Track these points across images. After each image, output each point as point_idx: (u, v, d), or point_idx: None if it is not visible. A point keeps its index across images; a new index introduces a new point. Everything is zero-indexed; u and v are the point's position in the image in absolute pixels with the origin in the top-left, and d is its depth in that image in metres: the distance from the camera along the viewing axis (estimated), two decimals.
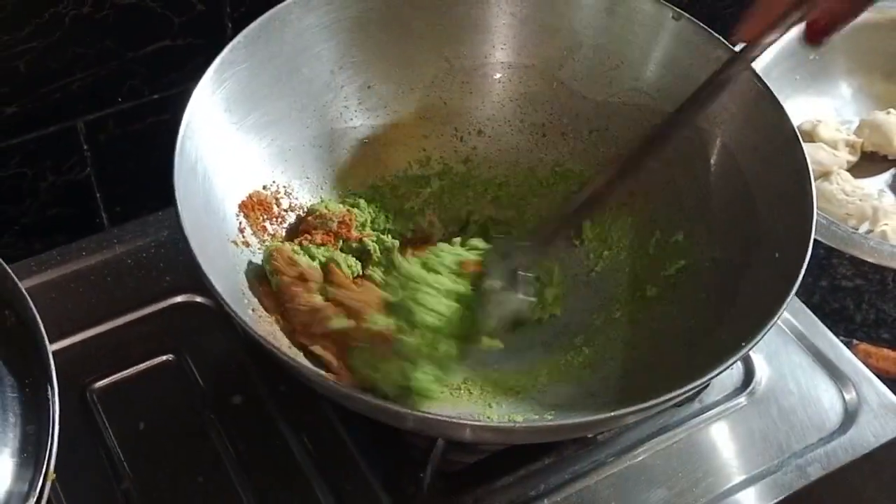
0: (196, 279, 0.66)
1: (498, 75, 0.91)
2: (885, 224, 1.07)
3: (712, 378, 0.68)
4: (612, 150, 0.90)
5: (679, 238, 0.85)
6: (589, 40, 0.90)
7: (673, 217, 0.86)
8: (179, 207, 0.70)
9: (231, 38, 0.80)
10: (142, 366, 0.82)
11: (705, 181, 0.85)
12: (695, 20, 0.86)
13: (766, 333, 0.68)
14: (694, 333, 0.78)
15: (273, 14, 0.82)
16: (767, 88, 0.82)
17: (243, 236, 0.79)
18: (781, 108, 0.81)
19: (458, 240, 0.83)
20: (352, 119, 0.88)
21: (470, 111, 0.92)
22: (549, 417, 0.75)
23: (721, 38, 0.85)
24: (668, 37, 0.87)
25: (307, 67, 0.85)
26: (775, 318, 0.69)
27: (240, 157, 0.81)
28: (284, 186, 0.85)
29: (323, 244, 0.82)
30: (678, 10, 0.86)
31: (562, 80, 0.91)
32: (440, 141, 0.92)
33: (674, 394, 0.67)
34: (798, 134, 0.79)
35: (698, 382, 0.67)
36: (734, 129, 0.84)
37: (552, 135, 0.92)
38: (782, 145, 0.80)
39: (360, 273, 0.82)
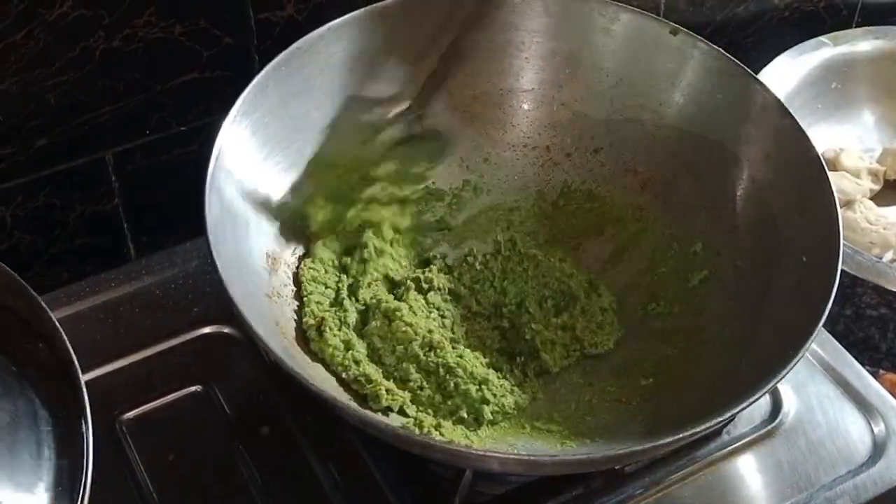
0: (224, 309, 0.66)
1: (498, 102, 0.92)
2: None
3: (741, 410, 0.68)
4: (620, 165, 0.91)
5: (698, 248, 0.86)
6: (586, 61, 0.91)
7: (688, 227, 0.87)
8: (210, 237, 0.70)
9: (258, 71, 0.81)
10: (170, 397, 0.83)
11: (731, 205, 0.85)
12: (692, 33, 0.87)
13: (793, 366, 0.68)
14: (724, 358, 0.78)
15: (299, 46, 0.83)
16: (793, 118, 0.82)
17: (274, 266, 0.80)
18: (807, 137, 0.81)
19: None
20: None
21: (474, 139, 0.92)
22: (577, 449, 0.75)
23: (717, 47, 0.86)
24: (665, 51, 0.88)
25: (326, 101, 0.86)
26: (803, 351, 0.69)
27: (269, 181, 0.82)
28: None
29: None
30: (675, 24, 0.87)
31: (563, 102, 0.92)
32: (448, 171, 0.92)
33: (702, 426, 0.67)
34: (824, 164, 0.80)
35: (727, 415, 0.68)
36: (760, 158, 0.84)
37: (557, 156, 0.93)
38: (808, 175, 0.80)
39: None
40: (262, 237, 0.80)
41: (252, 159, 0.80)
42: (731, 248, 0.84)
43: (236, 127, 0.78)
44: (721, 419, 0.68)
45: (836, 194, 0.78)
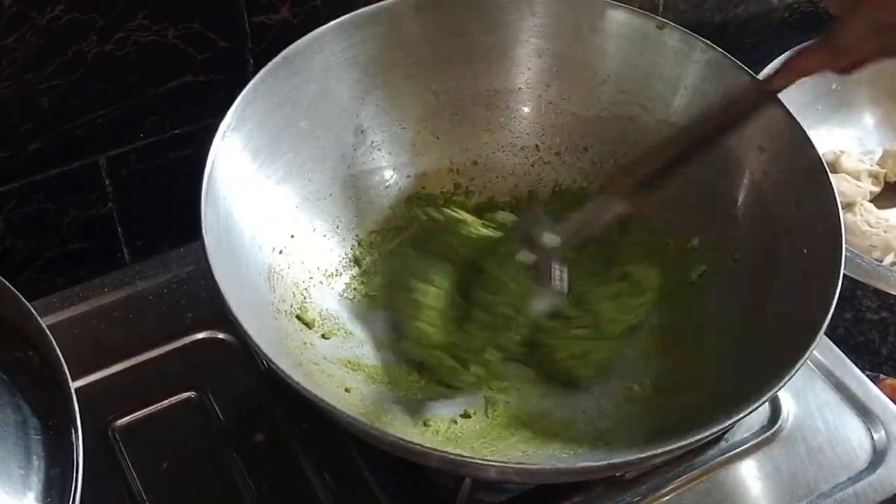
0: (218, 315, 0.65)
1: (485, 103, 0.92)
2: None
3: (742, 417, 0.67)
4: (610, 162, 0.91)
5: (695, 243, 0.86)
6: (573, 59, 0.90)
7: (684, 222, 0.86)
8: (205, 238, 0.70)
9: (252, 74, 0.80)
10: (164, 403, 0.82)
11: (727, 199, 0.85)
12: (680, 28, 0.87)
13: (796, 372, 0.68)
14: (726, 361, 0.78)
15: (293, 50, 0.82)
16: (795, 120, 0.82)
17: (273, 277, 0.79)
18: (802, 129, 0.81)
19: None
20: (349, 166, 0.88)
21: (462, 142, 0.92)
22: (575, 458, 0.74)
23: (704, 40, 0.86)
24: (653, 47, 0.88)
25: (322, 106, 0.85)
26: (808, 353, 0.69)
27: (262, 193, 0.81)
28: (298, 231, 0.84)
29: None
30: (661, 19, 0.87)
31: (550, 101, 0.92)
32: (438, 176, 0.91)
33: (702, 434, 0.66)
34: (826, 166, 0.79)
35: (728, 423, 0.67)
36: (755, 151, 0.84)
37: (547, 155, 0.92)
38: (810, 177, 0.80)
39: None
40: (261, 251, 0.79)
41: (245, 172, 0.79)
42: (730, 242, 0.84)
43: (227, 142, 0.77)
44: (722, 426, 0.67)
45: (836, 192, 0.78)
